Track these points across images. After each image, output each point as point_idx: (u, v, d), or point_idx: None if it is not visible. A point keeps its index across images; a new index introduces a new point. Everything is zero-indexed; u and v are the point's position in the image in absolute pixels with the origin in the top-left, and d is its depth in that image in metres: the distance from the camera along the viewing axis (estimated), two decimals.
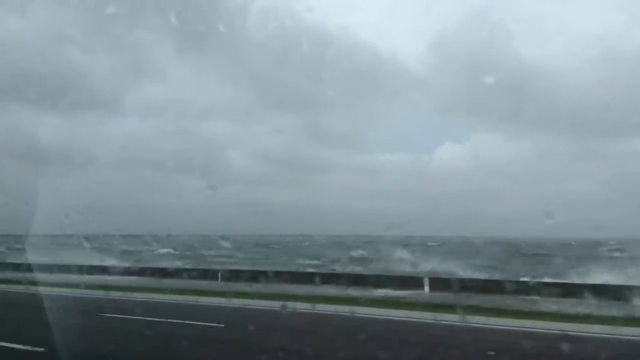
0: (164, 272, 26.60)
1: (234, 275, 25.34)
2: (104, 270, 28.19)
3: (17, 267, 26.55)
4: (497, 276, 30.40)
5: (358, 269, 37.20)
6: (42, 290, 16.07)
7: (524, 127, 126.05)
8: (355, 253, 54.22)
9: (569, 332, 11.33)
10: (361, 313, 14.59)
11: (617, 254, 52.16)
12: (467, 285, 20.68)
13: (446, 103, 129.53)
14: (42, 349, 9.29)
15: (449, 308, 15.07)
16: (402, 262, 40.80)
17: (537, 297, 17.70)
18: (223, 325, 12.78)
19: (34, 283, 17.70)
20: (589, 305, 15.78)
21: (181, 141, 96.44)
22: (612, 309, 14.93)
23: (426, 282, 20.84)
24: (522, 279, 26.49)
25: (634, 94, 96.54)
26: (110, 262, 35.16)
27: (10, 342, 9.78)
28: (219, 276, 25.06)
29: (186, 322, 13.13)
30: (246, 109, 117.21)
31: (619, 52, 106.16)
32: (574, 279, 26.86)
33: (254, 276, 24.97)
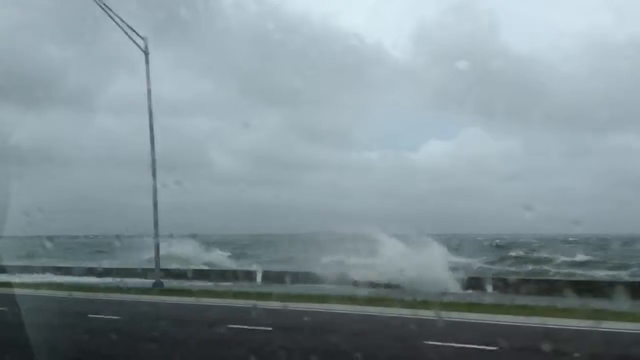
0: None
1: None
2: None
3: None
4: None
5: None
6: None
7: (513, 123, 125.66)
8: None
9: None
10: None
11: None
12: None
13: (434, 99, 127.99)
14: None
15: None
16: None
17: None
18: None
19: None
20: None
21: (161, 138, 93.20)
22: None
23: None
24: None
25: (626, 88, 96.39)
26: None
27: None
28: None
29: None
30: (228, 105, 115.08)
31: (609, 44, 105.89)
32: None
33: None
